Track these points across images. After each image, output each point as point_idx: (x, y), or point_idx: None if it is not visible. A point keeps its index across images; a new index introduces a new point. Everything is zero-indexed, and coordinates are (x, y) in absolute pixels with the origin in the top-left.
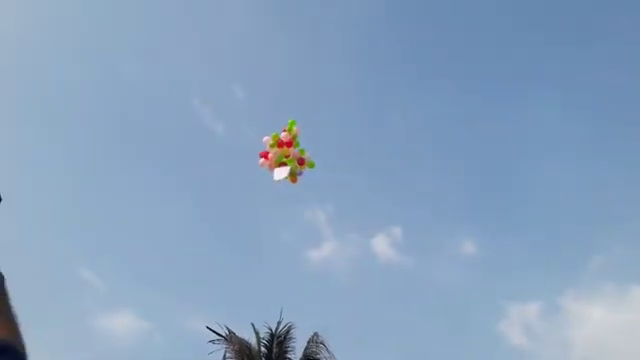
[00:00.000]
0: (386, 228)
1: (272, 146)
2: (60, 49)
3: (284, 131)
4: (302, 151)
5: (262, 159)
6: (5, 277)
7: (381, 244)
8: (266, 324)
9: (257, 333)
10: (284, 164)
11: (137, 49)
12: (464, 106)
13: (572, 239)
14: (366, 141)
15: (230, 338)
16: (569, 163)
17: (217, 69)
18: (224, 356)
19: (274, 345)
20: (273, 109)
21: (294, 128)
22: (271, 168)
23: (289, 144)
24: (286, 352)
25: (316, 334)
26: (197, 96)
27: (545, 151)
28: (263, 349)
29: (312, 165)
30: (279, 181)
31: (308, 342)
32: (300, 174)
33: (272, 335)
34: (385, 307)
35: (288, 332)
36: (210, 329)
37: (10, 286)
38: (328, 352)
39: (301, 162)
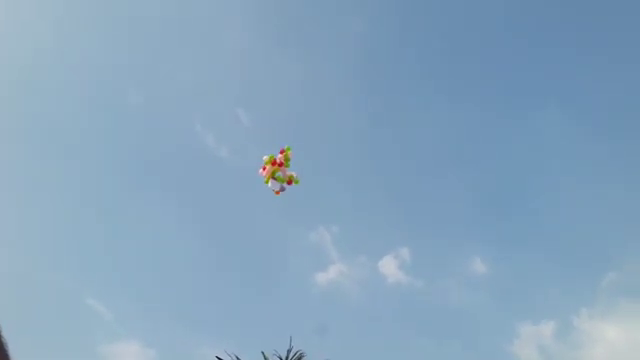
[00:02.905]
0: (393, 249)
1: (267, 163)
2: (67, 81)
3: (280, 152)
4: (291, 176)
5: (261, 170)
6: None
7: (389, 266)
8: (276, 352)
9: None
10: (275, 179)
11: (140, 78)
12: (474, 124)
13: (585, 257)
14: (370, 160)
15: None
16: (582, 181)
17: (220, 94)
18: None
19: None
20: (277, 131)
21: (289, 153)
22: (266, 177)
23: (280, 164)
24: None
25: None
26: (199, 121)
27: (558, 168)
28: None
29: (297, 182)
30: (272, 189)
31: None
32: (283, 190)
33: None
34: (396, 329)
35: None
36: (219, 359)
37: (17, 317)
38: None
39: (289, 182)
